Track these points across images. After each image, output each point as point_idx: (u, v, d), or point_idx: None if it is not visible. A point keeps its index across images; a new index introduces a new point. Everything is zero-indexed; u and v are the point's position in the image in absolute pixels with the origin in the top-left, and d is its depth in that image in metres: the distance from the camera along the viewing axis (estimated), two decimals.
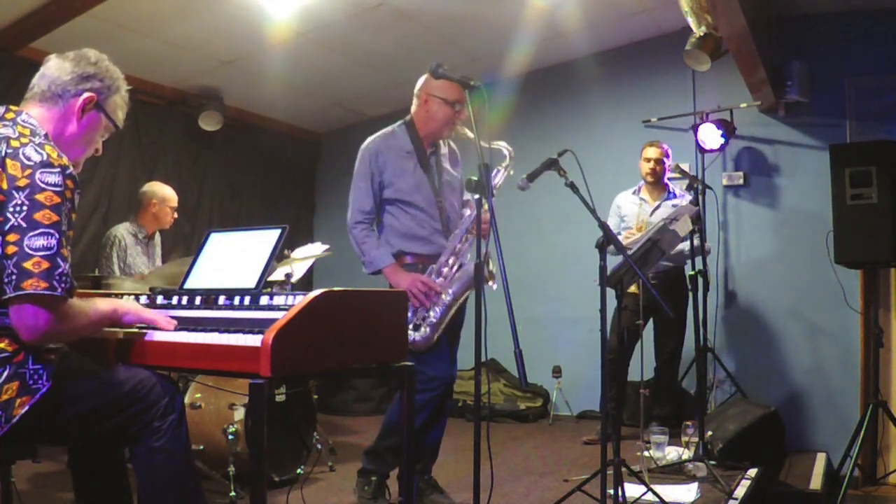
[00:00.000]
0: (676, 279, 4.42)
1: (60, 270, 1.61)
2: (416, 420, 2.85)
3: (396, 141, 3.01)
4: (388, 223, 3.00)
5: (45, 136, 1.75)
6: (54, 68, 1.83)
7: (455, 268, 2.92)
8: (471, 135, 2.82)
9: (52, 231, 1.61)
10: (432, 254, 2.96)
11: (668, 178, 4.59)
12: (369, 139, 3.04)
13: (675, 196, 4.52)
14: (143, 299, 2.12)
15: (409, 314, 2.80)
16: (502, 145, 2.97)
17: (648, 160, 4.47)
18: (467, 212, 3.01)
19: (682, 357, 4.52)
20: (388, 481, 3.02)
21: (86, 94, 1.83)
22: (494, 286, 2.71)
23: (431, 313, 2.84)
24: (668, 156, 4.49)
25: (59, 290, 1.60)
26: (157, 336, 1.82)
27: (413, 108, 3.06)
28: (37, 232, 1.59)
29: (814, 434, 4.53)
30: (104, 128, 1.91)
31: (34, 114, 1.79)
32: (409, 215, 2.97)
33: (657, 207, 4.44)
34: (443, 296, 2.85)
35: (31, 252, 1.58)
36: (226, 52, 4.92)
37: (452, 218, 3.03)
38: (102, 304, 1.81)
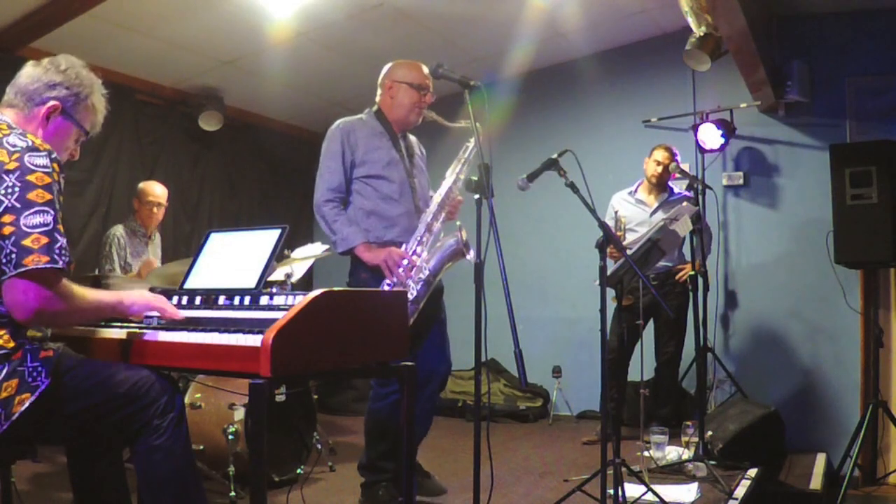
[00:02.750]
0: (675, 279, 4.41)
1: (60, 244, 1.64)
2: (388, 414, 2.88)
3: (365, 124, 3.02)
4: (358, 204, 2.95)
5: (23, 133, 1.77)
6: (24, 76, 1.86)
7: (429, 243, 2.88)
8: (435, 116, 2.90)
9: (46, 208, 1.64)
10: (404, 232, 2.92)
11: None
12: (339, 121, 3.03)
13: (675, 195, 4.51)
14: None
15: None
16: (470, 123, 2.78)
17: (659, 163, 4.43)
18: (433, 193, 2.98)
19: (682, 357, 4.52)
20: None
21: (50, 103, 1.84)
22: (470, 256, 2.67)
23: (411, 292, 2.78)
24: (676, 160, 4.45)
25: (61, 262, 1.63)
26: (157, 336, 1.82)
27: (378, 98, 3.07)
28: (32, 210, 1.62)
29: (814, 434, 4.52)
30: (76, 133, 1.92)
31: (8, 115, 1.83)
32: (381, 193, 2.93)
33: (657, 209, 4.44)
34: (419, 273, 2.82)
35: (28, 230, 1.61)
36: (226, 52, 4.92)
37: (423, 198, 3.01)
38: (106, 295, 1.82)
